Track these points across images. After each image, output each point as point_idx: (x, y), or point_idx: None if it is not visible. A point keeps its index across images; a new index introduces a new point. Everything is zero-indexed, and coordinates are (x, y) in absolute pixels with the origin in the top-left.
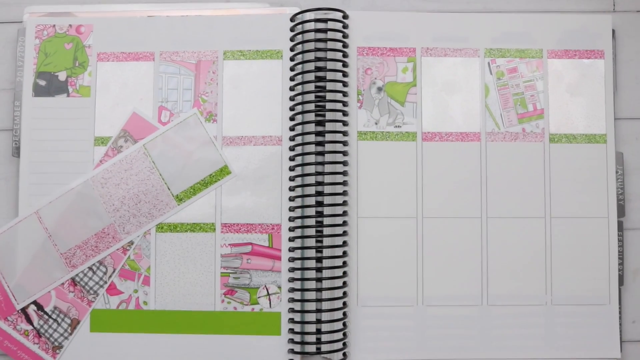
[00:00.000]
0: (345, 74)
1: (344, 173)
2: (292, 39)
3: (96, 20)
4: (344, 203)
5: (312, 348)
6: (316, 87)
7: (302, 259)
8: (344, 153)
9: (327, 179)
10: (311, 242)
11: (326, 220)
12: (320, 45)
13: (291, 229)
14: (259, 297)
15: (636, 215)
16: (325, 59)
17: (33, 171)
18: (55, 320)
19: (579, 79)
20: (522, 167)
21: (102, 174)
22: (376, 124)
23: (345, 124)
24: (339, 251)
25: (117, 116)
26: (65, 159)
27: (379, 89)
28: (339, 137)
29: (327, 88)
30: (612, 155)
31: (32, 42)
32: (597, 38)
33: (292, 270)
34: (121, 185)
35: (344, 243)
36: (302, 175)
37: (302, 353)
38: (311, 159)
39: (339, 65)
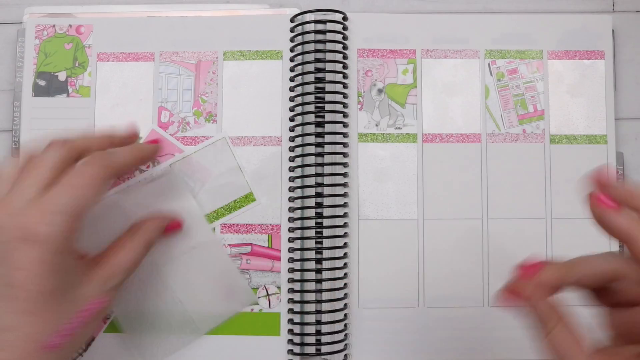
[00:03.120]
0: (345, 76)
1: (345, 174)
2: (292, 40)
3: (96, 21)
4: (345, 204)
5: (312, 349)
6: (316, 88)
7: (302, 260)
8: (344, 154)
9: (327, 179)
10: (311, 242)
11: (326, 221)
12: (320, 46)
13: (291, 230)
14: (258, 298)
15: None
16: (324, 60)
17: None
18: None
19: (580, 80)
20: (523, 168)
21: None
22: (377, 125)
23: (345, 125)
24: (339, 252)
25: (116, 117)
26: None
27: (380, 91)
28: (339, 138)
29: (327, 89)
30: (613, 156)
31: (32, 42)
32: (598, 39)
33: (291, 270)
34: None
35: (345, 244)
36: (302, 177)
37: (301, 354)
38: (311, 159)
39: (338, 67)
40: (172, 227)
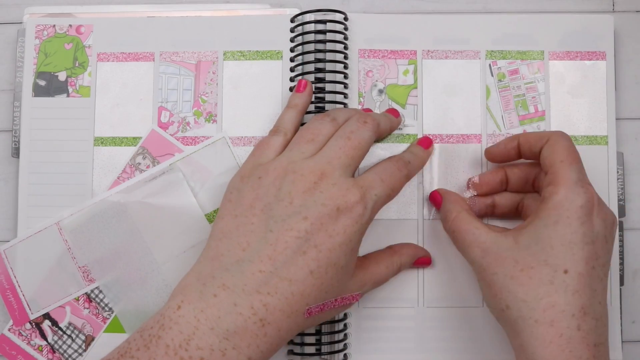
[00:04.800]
0: (345, 76)
1: None
2: (292, 40)
3: (96, 21)
4: None
5: (312, 349)
6: (316, 88)
7: None
8: None
9: None
10: None
11: None
12: (321, 46)
13: None
14: None
15: (636, 215)
16: (325, 60)
17: (33, 172)
18: (69, 336)
19: (581, 81)
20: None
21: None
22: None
23: None
24: None
25: (116, 117)
26: (65, 159)
27: (380, 91)
28: None
29: (327, 89)
30: (614, 157)
31: (32, 42)
32: (599, 39)
33: None
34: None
35: None
36: None
37: (301, 354)
38: None
39: (339, 67)
40: (422, 261)
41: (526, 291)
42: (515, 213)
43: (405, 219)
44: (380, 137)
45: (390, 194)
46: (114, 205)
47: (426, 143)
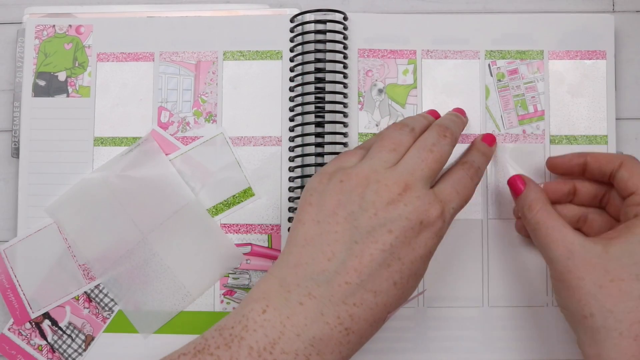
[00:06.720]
0: (345, 76)
1: None
2: (292, 40)
3: (96, 21)
4: None
5: None
6: (316, 88)
7: None
8: None
9: None
10: None
11: None
12: (320, 46)
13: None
14: None
15: None
16: (324, 60)
17: (32, 172)
18: (69, 336)
19: (580, 80)
20: (523, 168)
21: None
22: (377, 125)
23: (345, 125)
24: None
25: (116, 117)
26: (65, 159)
27: (380, 91)
28: (339, 138)
29: (327, 89)
30: None
31: (32, 42)
32: (599, 38)
33: None
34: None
35: None
36: (302, 177)
37: None
38: (311, 159)
39: (338, 67)
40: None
41: (615, 302)
42: (575, 227)
43: None
44: None
45: (464, 205)
46: (94, 182)
47: (490, 140)
